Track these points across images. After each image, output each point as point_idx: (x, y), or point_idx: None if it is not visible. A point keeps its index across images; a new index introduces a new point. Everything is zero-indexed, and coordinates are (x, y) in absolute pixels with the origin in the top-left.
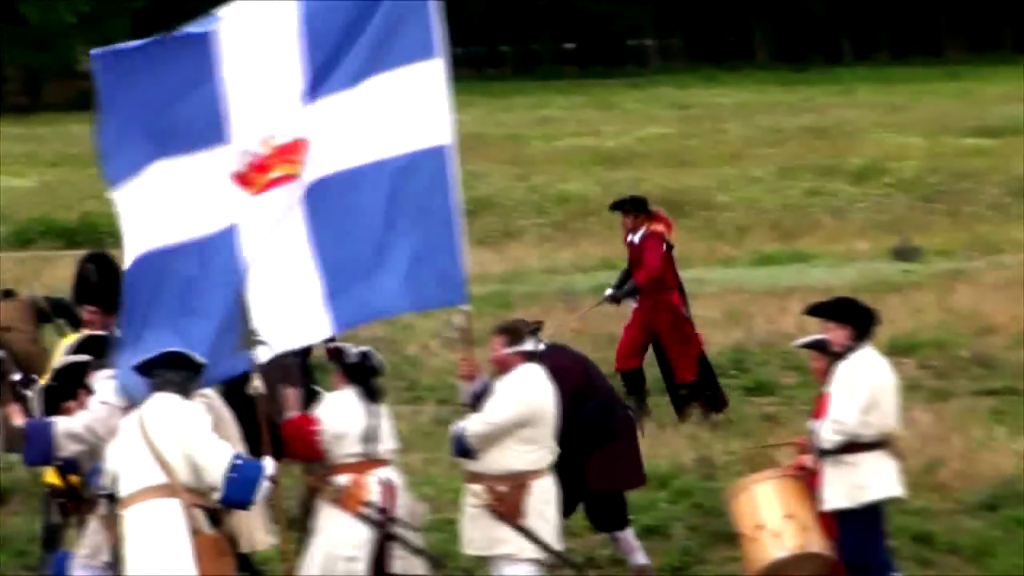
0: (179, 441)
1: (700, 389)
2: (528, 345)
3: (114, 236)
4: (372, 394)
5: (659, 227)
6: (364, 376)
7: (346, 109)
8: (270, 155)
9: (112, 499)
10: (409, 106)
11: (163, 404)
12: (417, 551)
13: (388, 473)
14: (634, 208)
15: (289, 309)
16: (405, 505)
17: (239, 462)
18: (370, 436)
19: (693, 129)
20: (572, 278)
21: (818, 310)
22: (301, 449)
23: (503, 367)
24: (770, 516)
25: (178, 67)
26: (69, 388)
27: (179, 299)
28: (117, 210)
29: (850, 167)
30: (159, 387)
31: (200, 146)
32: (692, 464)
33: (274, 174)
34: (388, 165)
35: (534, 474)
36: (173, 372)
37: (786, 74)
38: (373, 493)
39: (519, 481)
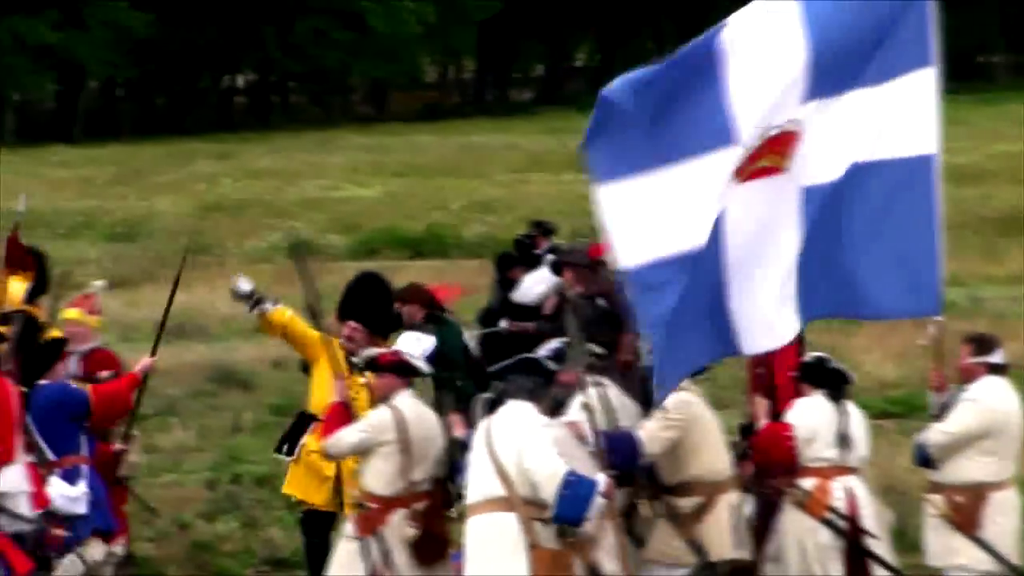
0: (517, 453)
1: None
2: (995, 357)
3: (459, 247)
4: (839, 397)
5: None
6: (827, 379)
7: (842, 111)
8: (761, 146)
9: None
10: (901, 113)
11: (510, 413)
12: (879, 561)
13: (854, 482)
14: None
15: (765, 310)
16: (871, 515)
17: (572, 479)
18: (841, 442)
19: None
20: None
21: None
22: (777, 456)
23: (968, 376)
24: None
25: (685, 74)
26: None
27: (700, 304)
28: (602, 205)
29: None
30: (510, 394)
31: (706, 149)
32: None
33: (761, 163)
34: (875, 170)
35: (994, 485)
36: (525, 378)
37: None
38: (837, 499)
39: (978, 492)
